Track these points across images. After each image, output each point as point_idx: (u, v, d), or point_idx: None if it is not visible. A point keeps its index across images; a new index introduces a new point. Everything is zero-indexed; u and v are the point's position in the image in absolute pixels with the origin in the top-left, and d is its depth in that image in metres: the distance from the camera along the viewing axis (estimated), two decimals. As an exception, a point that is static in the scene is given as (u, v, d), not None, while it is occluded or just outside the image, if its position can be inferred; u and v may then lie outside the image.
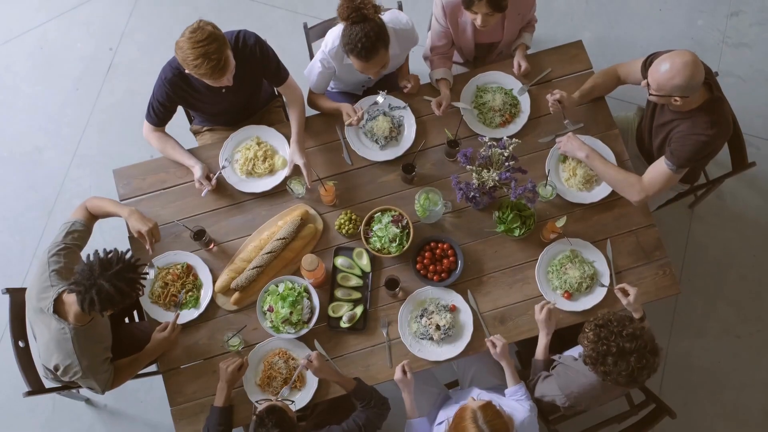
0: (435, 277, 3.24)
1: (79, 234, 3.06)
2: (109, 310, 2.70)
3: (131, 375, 3.18)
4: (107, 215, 3.17)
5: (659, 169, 3.12)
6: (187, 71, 3.01)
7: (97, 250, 2.72)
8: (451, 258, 3.24)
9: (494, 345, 3.05)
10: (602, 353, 2.61)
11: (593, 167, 3.27)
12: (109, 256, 2.70)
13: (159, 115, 3.28)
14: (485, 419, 2.47)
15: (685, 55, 2.85)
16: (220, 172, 3.35)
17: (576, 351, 3.04)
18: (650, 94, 2.97)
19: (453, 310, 3.20)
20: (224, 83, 3.06)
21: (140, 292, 2.75)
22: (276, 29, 4.69)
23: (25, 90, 4.65)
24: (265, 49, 3.24)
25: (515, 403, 2.86)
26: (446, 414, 2.90)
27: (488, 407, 2.52)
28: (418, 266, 3.26)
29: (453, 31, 3.48)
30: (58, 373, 2.91)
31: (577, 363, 2.91)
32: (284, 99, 3.51)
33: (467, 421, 2.48)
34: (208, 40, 2.88)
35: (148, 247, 3.10)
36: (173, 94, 3.21)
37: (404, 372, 3.03)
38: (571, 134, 3.30)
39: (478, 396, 2.73)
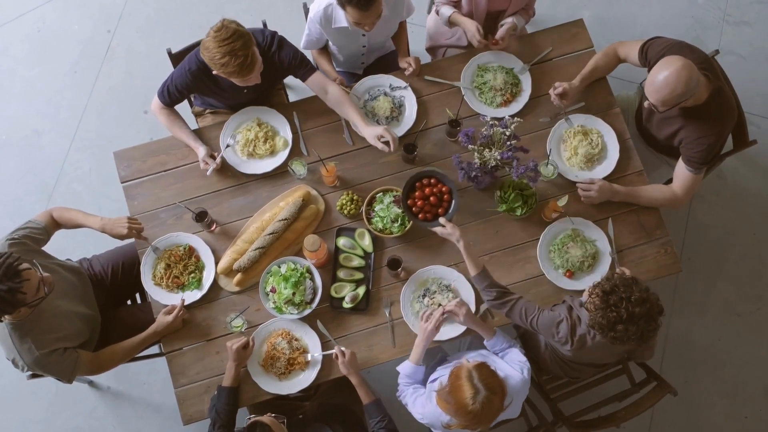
0: (421, 215, 3.15)
1: (32, 232, 3.03)
2: None
3: (129, 357, 3.18)
4: (76, 226, 3.18)
5: (686, 176, 3.19)
6: (214, 72, 3.00)
7: None
8: (445, 203, 3.18)
9: (455, 314, 3.03)
10: (612, 320, 2.57)
11: (636, 202, 3.30)
12: None
13: (173, 98, 3.28)
14: (480, 378, 2.52)
15: (674, 62, 2.86)
16: (224, 152, 3.35)
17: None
18: (660, 112, 2.98)
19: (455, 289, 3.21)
20: (252, 81, 3.06)
21: (19, 304, 2.65)
22: (274, 9, 4.66)
23: (22, 73, 4.62)
24: (286, 47, 3.21)
25: (509, 368, 2.87)
26: (440, 374, 2.93)
27: (482, 366, 2.58)
28: (409, 202, 3.18)
29: None
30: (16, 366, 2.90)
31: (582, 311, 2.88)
32: (326, 101, 3.34)
33: (463, 379, 2.54)
34: (233, 38, 2.87)
35: (140, 239, 3.20)
36: (193, 85, 3.22)
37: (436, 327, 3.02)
38: (598, 185, 3.25)
39: (472, 358, 2.75)
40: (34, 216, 3.12)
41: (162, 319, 3.12)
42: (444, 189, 3.18)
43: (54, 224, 3.14)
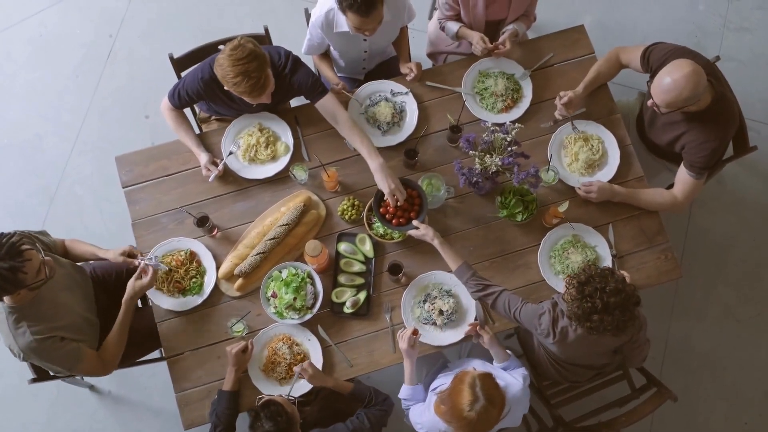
0: (395, 221, 3.19)
1: (43, 237, 3.05)
2: None
3: (123, 338, 3.11)
4: (81, 257, 3.21)
5: (687, 181, 3.21)
6: (226, 87, 3.00)
7: None
8: (416, 206, 3.21)
9: (480, 336, 3.04)
10: (587, 311, 2.59)
11: (637, 204, 3.32)
12: None
13: (182, 101, 3.28)
14: (482, 387, 2.53)
15: (684, 66, 2.87)
16: (227, 159, 3.35)
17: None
18: (662, 113, 2.99)
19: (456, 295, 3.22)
20: (262, 101, 3.07)
21: (20, 284, 2.65)
22: (275, 14, 4.67)
23: (24, 77, 4.63)
24: (301, 70, 3.20)
25: (510, 377, 2.88)
26: (441, 381, 2.94)
27: (488, 377, 2.60)
28: (381, 210, 3.21)
29: (463, 7, 3.49)
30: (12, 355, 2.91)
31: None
32: (336, 128, 3.30)
33: (465, 384, 2.55)
34: (248, 58, 2.87)
35: (142, 262, 3.14)
36: (203, 93, 3.22)
37: (411, 345, 3.02)
38: (597, 186, 3.27)
39: (479, 368, 2.77)
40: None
41: (134, 285, 3.08)
42: (414, 193, 3.21)
43: (63, 251, 3.18)
